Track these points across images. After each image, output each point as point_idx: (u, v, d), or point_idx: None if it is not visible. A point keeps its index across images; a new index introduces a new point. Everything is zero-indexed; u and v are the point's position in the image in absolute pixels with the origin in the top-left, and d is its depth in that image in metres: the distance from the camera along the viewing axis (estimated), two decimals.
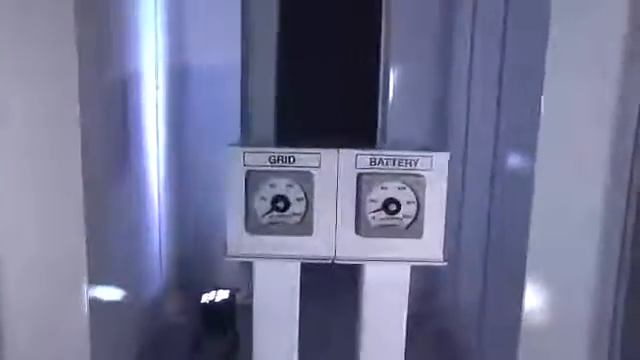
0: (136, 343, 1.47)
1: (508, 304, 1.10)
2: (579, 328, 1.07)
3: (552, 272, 1.01)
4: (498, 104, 1.30)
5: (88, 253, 0.95)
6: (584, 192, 0.99)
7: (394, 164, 0.81)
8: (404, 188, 0.80)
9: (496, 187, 1.30)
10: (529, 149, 1.03)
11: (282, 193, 0.80)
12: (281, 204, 0.79)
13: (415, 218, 0.81)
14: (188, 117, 1.85)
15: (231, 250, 0.81)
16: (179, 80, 1.84)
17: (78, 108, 0.89)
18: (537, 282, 1.00)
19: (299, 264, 0.83)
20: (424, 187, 0.80)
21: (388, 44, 1.64)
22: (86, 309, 0.96)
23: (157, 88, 1.72)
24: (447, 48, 1.66)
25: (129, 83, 1.46)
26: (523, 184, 1.04)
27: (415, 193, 0.80)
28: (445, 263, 0.85)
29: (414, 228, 0.81)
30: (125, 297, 1.34)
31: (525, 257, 0.98)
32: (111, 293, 1.23)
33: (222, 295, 1.71)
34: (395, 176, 0.80)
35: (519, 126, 1.14)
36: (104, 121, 1.18)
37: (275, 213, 0.80)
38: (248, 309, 0.84)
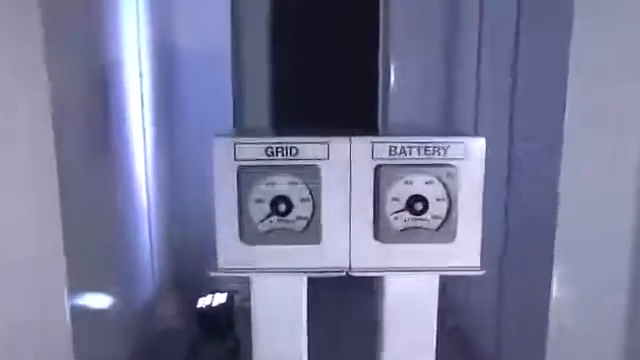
0: (128, 349, 1.44)
1: (533, 302, 1.10)
2: (609, 327, 1.06)
3: (580, 269, 1.00)
4: (512, 90, 1.25)
5: (67, 255, 0.92)
6: (613, 186, 0.97)
7: (419, 153, 0.71)
8: (432, 182, 0.70)
9: (513, 179, 1.25)
10: (548, 138, 0.99)
11: (283, 193, 0.70)
12: (282, 207, 0.69)
13: (446, 218, 0.71)
14: (177, 107, 1.80)
15: (222, 263, 0.72)
16: (165, 66, 1.79)
17: (49, 100, 0.86)
18: (565, 280, 0.99)
19: (305, 279, 0.74)
20: (456, 180, 0.70)
21: (387, 26, 1.59)
22: (67, 315, 0.94)
23: (141, 76, 1.65)
24: (453, 30, 1.60)
25: (108, 71, 1.39)
26: (543, 175, 1.01)
27: (446, 188, 0.70)
28: (483, 272, 0.73)
29: (445, 231, 0.71)
30: (113, 301, 1.31)
31: (551, 255, 0.96)
32: (95, 297, 1.20)
33: (219, 298, 1.66)
34: (421, 168, 0.70)
35: (536, 115, 1.10)
36: (81, 113, 1.13)
37: (275, 218, 0.70)
38: (247, 313, 0.76)
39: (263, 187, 0.69)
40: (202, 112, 1.72)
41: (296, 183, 0.69)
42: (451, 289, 1.51)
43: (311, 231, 0.70)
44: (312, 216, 0.70)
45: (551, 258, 1.04)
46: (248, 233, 0.71)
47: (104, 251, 1.26)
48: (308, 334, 0.77)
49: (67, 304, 0.96)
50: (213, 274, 0.72)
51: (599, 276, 1.05)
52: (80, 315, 1.01)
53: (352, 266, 0.73)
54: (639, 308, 1.07)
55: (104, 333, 1.27)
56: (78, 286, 1.02)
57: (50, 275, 0.93)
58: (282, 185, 0.70)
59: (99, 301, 1.25)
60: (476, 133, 1.31)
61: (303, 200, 0.70)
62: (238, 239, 0.71)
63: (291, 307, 0.74)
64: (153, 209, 1.72)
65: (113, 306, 1.33)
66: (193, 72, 1.77)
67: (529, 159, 1.21)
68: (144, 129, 1.64)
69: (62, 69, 0.94)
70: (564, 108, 0.94)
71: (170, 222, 1.85)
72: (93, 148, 1.23)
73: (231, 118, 1.74)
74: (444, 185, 0.70)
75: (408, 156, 0.71)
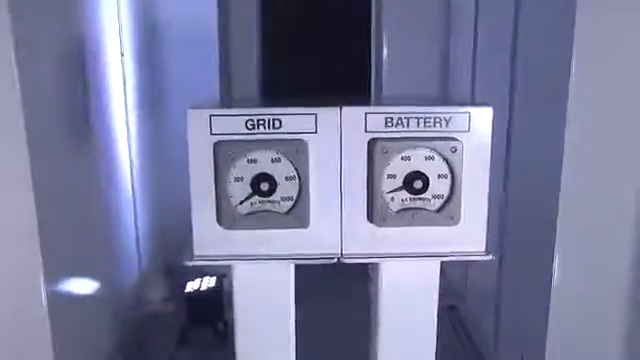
0: (115, 335, 1.44)
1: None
2: (610, 310, 1.09)
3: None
4: (512, 59, 1.23)
5: (42, 242, 0.92)
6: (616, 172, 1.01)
7: (418, 125, 0.65)
8: (433, 158, 0.65)
9: (511, 157, 1.26)
10: (551, 108, 0.99)
11: (265, 171, 0.64)
12: (265, 186, 0.63)
13: (449, 198, 0.66)
14: (161, 86, 1.76)
15: (199, 250, 0.65)
16: (147, 44, 1.74)
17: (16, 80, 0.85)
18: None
19: (292, 267, 0.68)
20: (461, 155, 0.64)
21: None
22: (44, 300, 0.95)
23: (122, 55, 1.60)
24: None
25: (87, 51, 1.35)
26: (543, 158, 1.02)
27: (448, 164, 0.65)
28: (490, 257, 0.67)
29: (448, 212, 0.66)
30: (95, 287, 1.31)
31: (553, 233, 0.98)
32: (75, 283, 1.20)
33: (208, 282, 1.65)
34: (420, 141, 0.64)
35: (538, 86, 1.09)
36: (57, 94, 1.12)
37: (257, 199, 0.64)
38: None
39: (243, 164, 0.64)
40: (188, 90, 1.68)
41: (280, 159, 0.64)
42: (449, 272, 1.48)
43: (297, 213, 0.65)
44: (298, 196, 0.65)
45: (552, 236, 1.06)
46: (227, 216, 0.65)
47: (84, 235, 1.25)
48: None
49: (44, 290, 0.95)
50: (189, 263, 0.65)
51: (601, 258, 1.06)
52: (59, 302, 1.01)
53: (344, 252, 0.67)
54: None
55: (87, 319, 1.26)
56: (55, 272, 1.01)
57: (25, 261, 0.93)
58: (264, 162, 0.64)
59: (80, 287, 1.24)
60: (473, 101, 1.28)
61: (288, 178, 0.64)
62: (216, 223, 0.65)
63: (277, 299, 0.68)
64: (138, 192, 1.68)
65: (96, 292, 1.32)
66: (177, 47, 1.73)
67: (529, 132, 1.19)
68: (127, 109, 1.60)
69: (34, 49, 0.93)
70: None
71: (155, 205, 1.82)
72: (71, 129, 1.20)
73: (217, 96, 1.69)
74: (446, 161, 0.65)
75: (406, 128, 0.64)
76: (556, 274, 1.10)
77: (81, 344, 1.20)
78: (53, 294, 0.99)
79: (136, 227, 1.69)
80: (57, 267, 1.03)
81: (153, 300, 1.80)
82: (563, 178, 1.04)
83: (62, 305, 1.05)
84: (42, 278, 0.95)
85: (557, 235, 1.09)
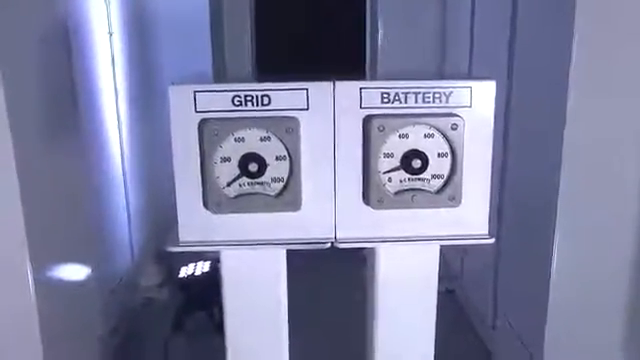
0: (108, 321, 1.43)
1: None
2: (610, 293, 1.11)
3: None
4: (512, 34, 1.21)
5: (28, 229, 0.92)
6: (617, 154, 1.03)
7: (417, 100, 0.60)
8: (432, 135, 0.61)
9: (511, 127, 1.26)
10: (551, 88, 0.98)
11: (254, 150, 0.60)
12: (253, 167, 0.60)
13: (449, 179, 0.62)
14: (151, 66, 1.72)
15: (184, 236, 0.60)
16: (136, 22, 1.69)
17: None
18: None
19: (284, 253, 0.65)
20: (461, 133, 0.61)
21: None
22: (31, 289, 0.95)
23: (110, 34, 1.56)
24: None
25: (74, 31, 1.30)
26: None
27: (449, 142, 0.61)
28: (492, 240, 0.64)
29: (448, 193, 0.62)
30: (86, 273, 1.29)
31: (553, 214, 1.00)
32: (64, 270, 1.19)
33: (202, 267, 1.63)
34: (419, 118, 0.60)
35: (537, 61, 1.07)
36: (43, 76, 1.10)
37: (245, 180, 0.61)
38: None
39: (230, 143, 0.60)
40: (181, 69, 1.64)
41: (269, 138, 0.60)
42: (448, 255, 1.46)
43: (289, 195, 0.61)
44: (289, 177, 0.61)
45: (552, 218, 1.08)
46: (213, 199, 0.61)
47: (73, 221, 1.23)
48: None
49: (31, 279, 0.95)
50: (173, 249, 0.61)
51: (601, 237, 1.08)
52: (48, 290, 1.01)
53: (338, 236, 0.64)
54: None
55: (78, 306, 1.25)
56: (44, 261, 1.01)
57: (11, 250, 0.93)
58: (253, 141, 0.60)
59: (72, 274, 1.23)
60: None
61: (278, 158, 0.61)
62: (202, 206, 0.61)
63: (268, 286, 0.65)
64: (129, 175, 1.64)
65: (88, 279, 1.30)
66: (167, 26, 1.68)
67: (528, 110, 1.17)
68: (116, 91, 1.56)
69: (16, 29, 0.93)
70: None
71: (148, 188, 1.78)
72: (59, 113, 1.17)
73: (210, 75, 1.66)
74: (447, 138, 0.61)
75: (403, 104, 0.60)
76: (555, 255, 1.09)
77: (70, 331, 1.18)
78: (40, 282, 0.97)
79: (128, 211, 1.66)
80: (44, 254, 1.02)
81: (146, 286, 1.78)
82: (564, 157, 1.02)
83: (50, 292, 1.04)
84: (29, 266, 0.94)
85: (557, 218, 1.07)
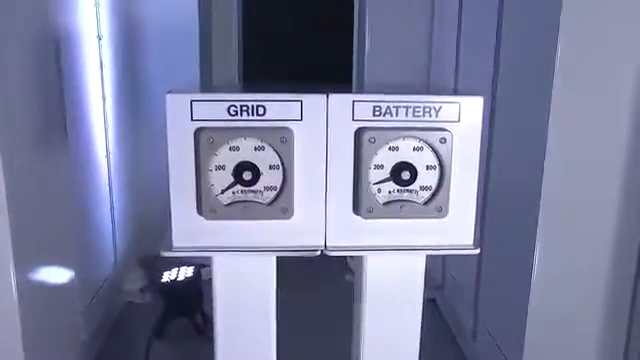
0: (91, 325, 1.42)
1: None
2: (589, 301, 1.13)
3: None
4: (497, 48, 1.23)
5: (12, 233, 0.92)
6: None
7: (407, 114, 0.62)
8: (421, 148, 0.62)
9: (494, 147, 1.27)
10: (535, 100, 1.00)
11: (248, 159, 0.61)
12: (247, 175, 0.61)
13: (437, 190, 0.63)
14: (139, 70, 1.72)
15: (178, 241, 0.61)
16: (126, 27, 1.69)
17: None
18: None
19: (274, 259, 0.66)
20: (450, 147, 0.62)
21: None
22: (14, 293, 0.95)
23: (99, 38, 1.55)
24: None
25: (63, 35, 1.31)
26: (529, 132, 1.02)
27: (437, 155, 0.63)
28: (477, 251, 0.65)
29: (436, 204, 0.64)
30: (69, 277, 1.29)
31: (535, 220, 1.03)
32: (47, 274, 1.18)
33: (185, 272, 1.63)
34: (409, 131, 0.62)
35: (520, 71, 1.08)
36: (31, 79, 1.10)
37: (239, 188, 0.62)
38: None
39: (225, 152, 0.61)
40: (168, 76, 1.65)
41: (264, 148, 0.61)
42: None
43: (281, 204, 0.63)
44: (282, 186, 0.62)
45: (534, 225, 1.10)
46: (207, 206, 0.62)
47: (58, 225, 1.22)
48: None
49: (14, 282, 0.95)
50: (166, 254, 0.62)
51: (581, 250, 1.10)
52: (31, 293, 1.01)
53: (328, 244, 0.65)
54: (620, 274, 1.12)
55: (61, 310, 1.25)
56: (27, 265, 1.01)
57: None
58: (247, 150, 0.61)
59: (55, 278, 1.23)
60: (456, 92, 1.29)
61: (272, 167, 0.62)
62: (196, 213, 0.62)
63: (258, 292, 0.66)
64: (114, 179, 1.64)
65: (71, 283, 1.30)
66: (156, 32, 1.68)
67: (512, 122, 1.19)
68: (104, 95, 1.56)
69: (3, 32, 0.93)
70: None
71: (133, 193, 1.78)
72: (45, 118, 1.17)
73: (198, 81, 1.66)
74: (435, 151, 0.63)
75: (394, 117, 0.62)
76: (536, 265, 1.11)
77: (53, 334, 1.18)
78: (23, 285, 0.98)
79: (112, 216, 1.65)
80: (28, 258, 1.02)
81: (128, 290, 1.77)
82: (546, 167, 1.04)
83: (33, 296, 1.04)
84: (12, 270, 0.94)
85: (538, 227, 1.09)
